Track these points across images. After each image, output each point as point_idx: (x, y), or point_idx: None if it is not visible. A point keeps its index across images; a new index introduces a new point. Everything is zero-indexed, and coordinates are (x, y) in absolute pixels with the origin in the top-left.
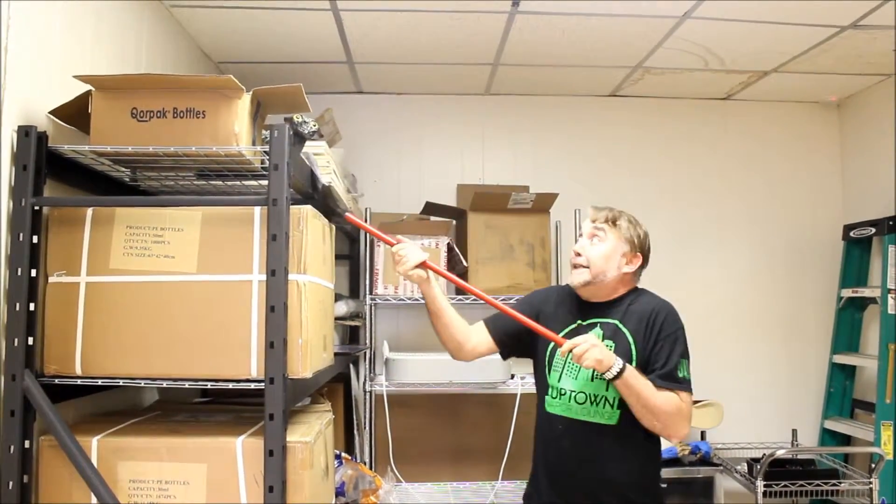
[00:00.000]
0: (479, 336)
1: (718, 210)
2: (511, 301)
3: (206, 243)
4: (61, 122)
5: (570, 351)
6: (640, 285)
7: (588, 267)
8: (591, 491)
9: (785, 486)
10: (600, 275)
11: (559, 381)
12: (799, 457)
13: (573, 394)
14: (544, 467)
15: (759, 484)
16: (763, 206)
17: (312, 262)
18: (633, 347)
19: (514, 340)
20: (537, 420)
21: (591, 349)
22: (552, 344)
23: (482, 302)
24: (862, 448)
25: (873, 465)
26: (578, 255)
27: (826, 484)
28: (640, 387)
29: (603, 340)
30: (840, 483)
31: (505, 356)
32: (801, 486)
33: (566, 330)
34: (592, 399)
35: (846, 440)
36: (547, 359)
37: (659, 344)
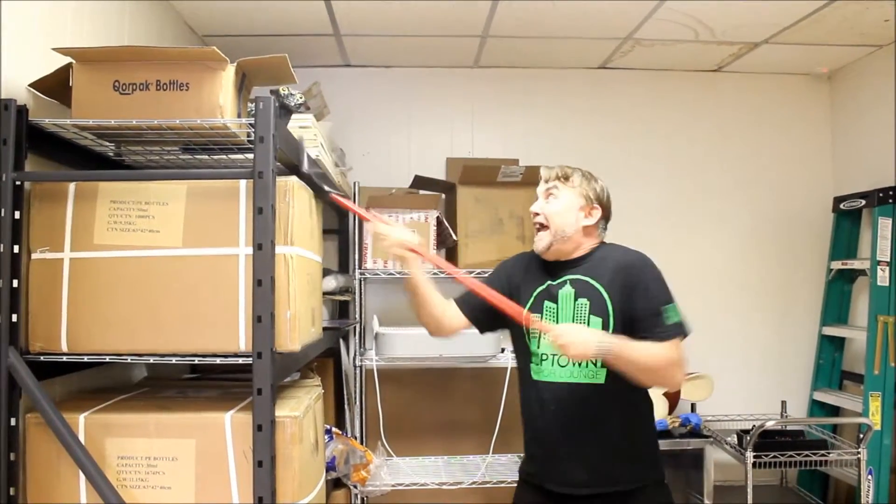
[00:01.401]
0: (453, 313)
1: (708, 182)
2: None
3: (191, 217)
4: (42, 95)
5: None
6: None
7: (548, 226)
8: (585, 453)
9: (774, 456)
10: (559, 231)
11: (539, 346)
12: (788, 428)
13: (555, 357)
14: (534, 436)
15: (749, 455)
16: (753, 179)
17: (299, 234)
18: (608, 301)
19: (489, 316)
20: (521, 390)
21: (571, 345)
22: (525, 309)
23: (471, 276)
24: (850, 419)
25: (861, 436)
26: (536, 214)
27: (815, 454)
28: (629, 356)
29: (576, 299)
30: (829, 453)
31: (483, 331)
32: (791, 456)
33: (538, 290)
34: (575, 360)
35: (835, 411)
36: (524, 328)
37: (641, 296)
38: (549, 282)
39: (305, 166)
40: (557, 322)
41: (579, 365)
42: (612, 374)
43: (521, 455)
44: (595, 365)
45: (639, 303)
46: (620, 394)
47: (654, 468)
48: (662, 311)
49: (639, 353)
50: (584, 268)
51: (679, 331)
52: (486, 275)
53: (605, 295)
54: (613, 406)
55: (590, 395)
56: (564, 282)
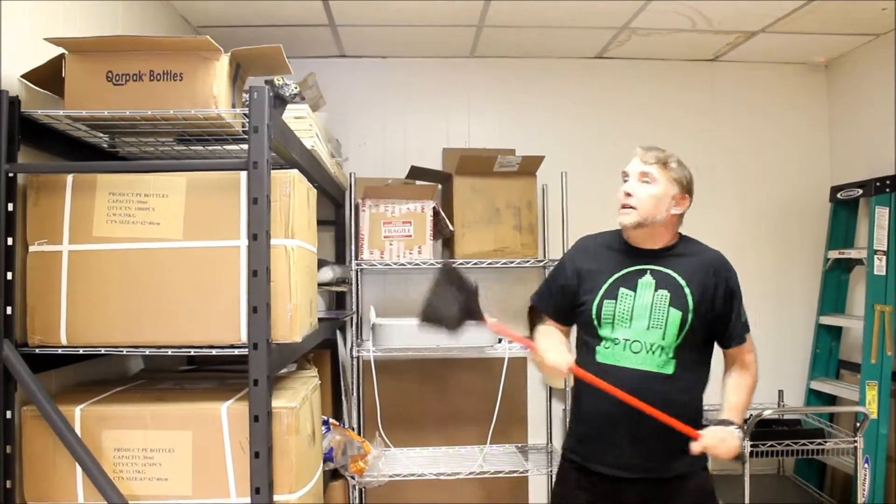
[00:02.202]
0: (563, 331)
1: (706, 172)
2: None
3: (191, 209)
4: (35, 86)
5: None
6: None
7: (636, 208)
8: (645, 439)
9: (771, 445)
10: (650, 217)
11: (612, 331)
12: (785, 417)
13: (627, 342)
14: (591, 417)
15: (746, 444)
16: (750, 168)
17: (299, 226)
18: (688, 296)
19: (570, 311)
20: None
21: (726, 450)
22: (598, 296)
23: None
24: (847, 408)
25: (858, 425)
26: (629, 195)
27: (812, 443)
28: (748, 404)
29: (656, 290)
30: (825, 442)
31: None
32: (787, 445)
33: (614, 277)
34: (648, 348)
35: (832, 401)
36: (594, 312)
37: (728, 297)
38: (627, 269)
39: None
40: (633, 309)
41: (651, 353)
42: (680, 365)
43: (524, 444)
44: (667, 355)
45: (726, 305)
46: (686, 384)
47: (703, 455)
48: (743, 316)
49: (747, 394)
50: (666, 260)
51: (748, 328)
52: (551, 271)
53: (687, 290)
54: (678, 395)
55: (658, 384)
56: (644, 271)
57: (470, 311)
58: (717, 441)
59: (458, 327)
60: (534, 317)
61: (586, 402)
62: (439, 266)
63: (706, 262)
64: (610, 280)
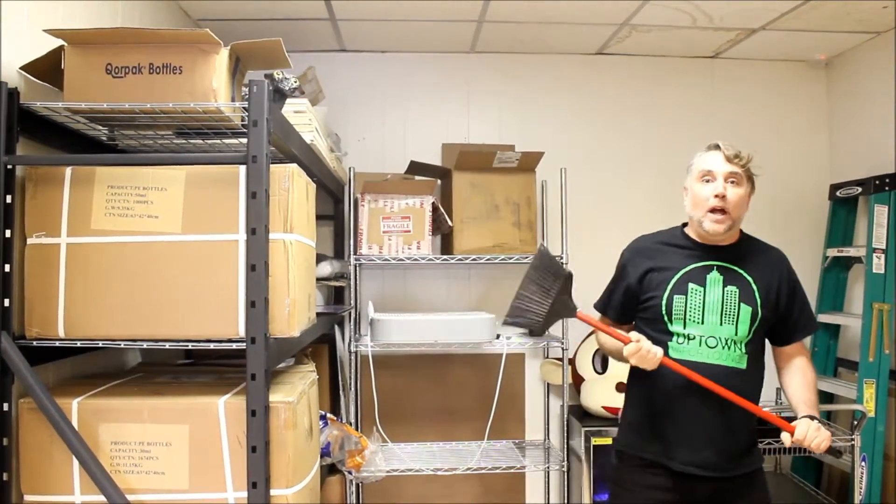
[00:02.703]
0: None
1: None
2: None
3: (190, 203)
4: (34, 78)
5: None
6: None
7: (729, 213)
8: (718, 435)
9: (768, 443)
10: (738, 220)
11: (685, 327)
12: (783, 415)
13: (702, 338)
14: (662, 413)
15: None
16: (750, 165)
17: (298, 220)
18: (756, 292)
19: (630, 310)
20: (651, 372)
21: (823, 440)
22: (667, 291)
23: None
24: (845, 405)
25: (855, 422)
26: (723, 197)
27: None
28: (817, 401)
29: (725, 286)
30: None
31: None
32: (780, 443)
33: (681, 272)
34: (724, 343)
35: (829, 398)
36: (664, 308)
37: (791, 292)
38: (694, 265)
39: None
40: (704, 304)
41: (727, 348)
42: (752, 360)
43: (521, 440)
44: (741, 350)
45: (789, 300)
46: (756, 378)
47: (761, 454)
48: (809, 309)
49: (816, 391)
50: (732, 256)
51: (817, 324)
52: (615, 273)
53: (755, 286)
54: (751, 389)
55: (732, 379)
56: (711, 267)
57: (564, 308)
58: (813, 431)
59: (545, 329)
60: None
61: (660, 396)
62: (538, 251)
63: (769, 259)
64: (677, 275)
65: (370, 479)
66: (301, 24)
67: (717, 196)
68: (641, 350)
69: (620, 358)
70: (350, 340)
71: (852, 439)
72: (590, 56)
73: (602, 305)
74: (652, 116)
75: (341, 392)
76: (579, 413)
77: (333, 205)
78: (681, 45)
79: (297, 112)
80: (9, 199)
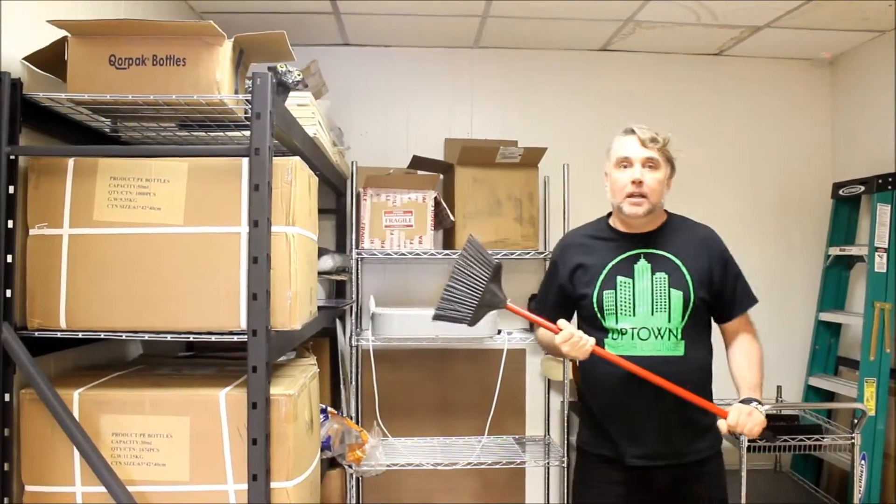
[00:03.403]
0: None
1: (707, 167)
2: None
3: (193, 195)
4: (37, 69)
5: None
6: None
7: (647, 196)
8: (666, 425)
9: (768, 441)
10: (657, 204)
11: (617, 322)
12: (783, 413)
13: (634, 331)
14: (610, 410)
15: (744, 439)
16: (752, 164)
17: (300, 213)
18: (686, 275)
19: (567, 308)
20: (591, 366)
21: (754, 425)
22: (596, 288)
23: None
24: (845, 404)
25: (856, 421)
26: (639, 183)
27: (809, 439)
28: (761, 379)
29: (653, 273)
30: (823, 438)
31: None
32: (785, 441)
33: (609, 266)
34: (656, 333)
35: (830, 397)
36: (595, 305)
37: (723, 268)
38: (620, 256)
39: None
40: (634, 296)
41: (661, 338)
42: (690, 345)
43: (522, 436)
44: (676, 337)
45: (724, 278)
46: (698, 362)
47: (719, 437)
48: (743, 282)
49: (760, 369)
50: (658, 241)
51: (755, 298)
52: (545, 275)
53: (684, 269)
54: (692, 377)
55: (672, 368)
56: (638, 256)
57: (493, 299)
58: (745, 416)
59: (477, 321)
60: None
61: (596, 393)
62: (467, 241)
63: (697, 238)
64: (605, 270)
65: (370, 473)
66: (305, 17)
67: (633, 182)
68: (573, 337)
69: (557, 352)
70: (351, 334)
71: (852, 437)
72: (594, 52)
73: (538, 306)
74: (655, 113)
75: (342, 386)
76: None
77: (336, 199)
78: (685, 43)
79: (300, 105)
80: (11, 189)
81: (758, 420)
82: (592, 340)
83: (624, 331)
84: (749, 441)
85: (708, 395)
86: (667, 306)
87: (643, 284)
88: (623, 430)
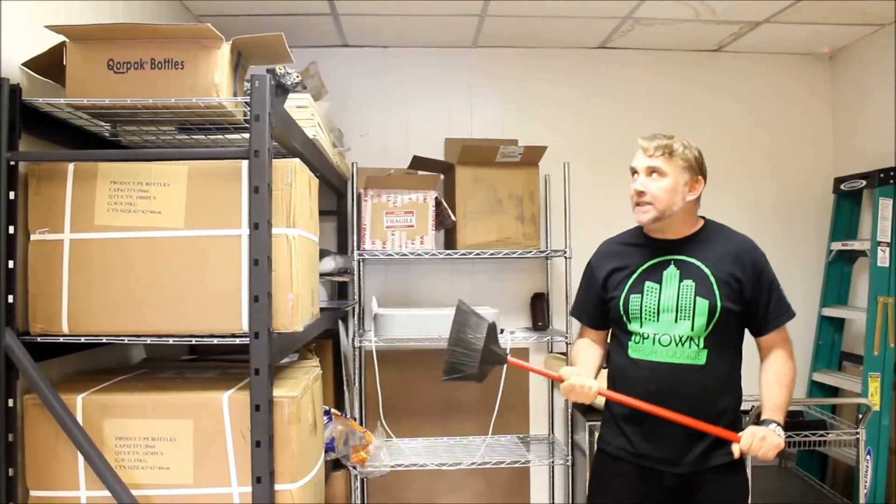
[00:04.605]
0: (599, 338)
1: (708, 163)
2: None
3: (193, 198)
4: (36, 74)
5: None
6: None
7: (653, 203)
8: (685, 429)
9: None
10: (667, 210)
11: (641, 326)
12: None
13: (656, 336)
14: (631, 412)
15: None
16: (754, 159)
17: (301, 215)
18: (714, 286)
19: (603, 313)
20: (616, 367)
21: (768, 449)
22: (624, 291)
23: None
24: (849, 399)
25: (860, 416)
26: (641, 193)
27: (814, 434)
28: (789, 400)
29: (681, 281)
30: (827, 434)
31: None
32: (790, 436)
33: (638, 271)
34: (677, 340)
35: (834, 392)
36: (622, 308)
37: (756, 281)
38: (650, 262)
39: None
40: (659, 302)
41: (681, 345)
42: (712, 356)
43: (526, 435)
44: (698, 346)
45: (755, 290)
46: (720, 375)
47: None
48: (782, 294)
49: (788, 389)
50: (690, 249)
51: (792, 313)
52: (581, 282)
53: (712, 278)
54: (713, 387)
55: (691, 376)
56: (668, 262)
57: (493, 356)
58: (758, 441)
59: (484, 377)
60: (536, 307)
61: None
62: (456, 308)
63: (731, 248)
64: (635, 275)
65: (375, 474)
66: (303, 19)
67: (635, 192)
68: (575, 387)
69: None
70: (354, 335)
71: (857, 433)
72: (593, 50)
73: (577, 311)
74: (655, 110)
75: (345, 387)
76: (583, 408)
77: (336, 200)
78: (684, 39)
79: (299, 107)
80: (12, 195)
81: (772, 444)
82: (596, 384)
83: (646, 335)
84: None
85: (731, 406)
86: (691, 314)
87: (670, 291)
88: (643, 433)
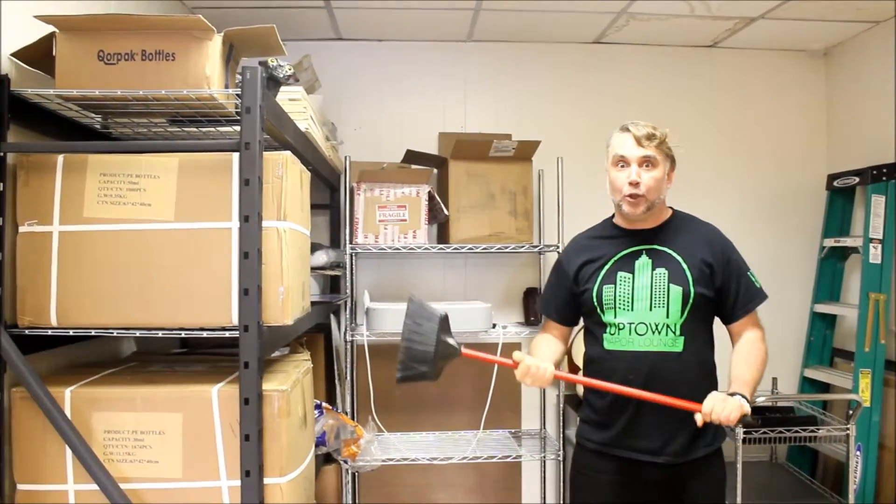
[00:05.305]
0: (562, 335)
1: (702, 159)
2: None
3: (183, 190)
4: (25, 65)
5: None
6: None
7: (645, 196)
8: (665, 421)
9: (764, 432)
10: (655, 202)
11: (615, 316)
12: (778, 404)
13: (632, 326)
14: (610, 404)
15: (739, 430)
16: (747, 156)
17: (292, 208)
18: (687, 273)
19: (573, 309)
20: (593, 360)
21: (731, 410)
22: (597, 283)
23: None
24: (840, 395)
25: (851, 412)
26: (636, 184)
27: (804, 430)
28: (756, 382)
29: (653, 269)
30: (818, 429)
31: (575, 325)
32: (780, 432)
33: (611, 262)
34: (654, 328)
35: (825, 388)
36: (595, 299)
37: (726, 268)
38: (622, 252)
39: None
40: (633, 291)
41: (658, 333)
42: (689, 342)
43: (518, 430)
44: (674, 333)
45: (727, 275)
46: (698, 361)
47: (720, 434)
48: (750, 280)
49: (758, 368)
50: (661, 238)
51: (763, 296)
52: (550, 276)
53: (685, 265)
54: (692, 373)
55: (669, 364)
56: (640, 252)
57: (448, 349)
58: (720, 402)
59: (438, 374)
60: (529, 302)
61: (595, 390)
62: (408, 301)
63: (700, 235)
64: (607, 266)
65: (366, 468)
66: (297, 12)
67: (630, 183)
68: (530, 368)
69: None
70: (346, 329)
71: (847, 429)
72: (587, 45)
73: (545, 306)
74: (650, 105)
75: (337, 381)
76: (575, 402)
77: (329, 194)
78: (679, 34)
79: (291, 100)
80: (0, 187)
81: (734, 405)
82: (552, 367)
83: (621, 325)
84: (744, 433)
85: (710, 388)
86: (665, 302)
87: (643, 280)
88: (623, 425)
